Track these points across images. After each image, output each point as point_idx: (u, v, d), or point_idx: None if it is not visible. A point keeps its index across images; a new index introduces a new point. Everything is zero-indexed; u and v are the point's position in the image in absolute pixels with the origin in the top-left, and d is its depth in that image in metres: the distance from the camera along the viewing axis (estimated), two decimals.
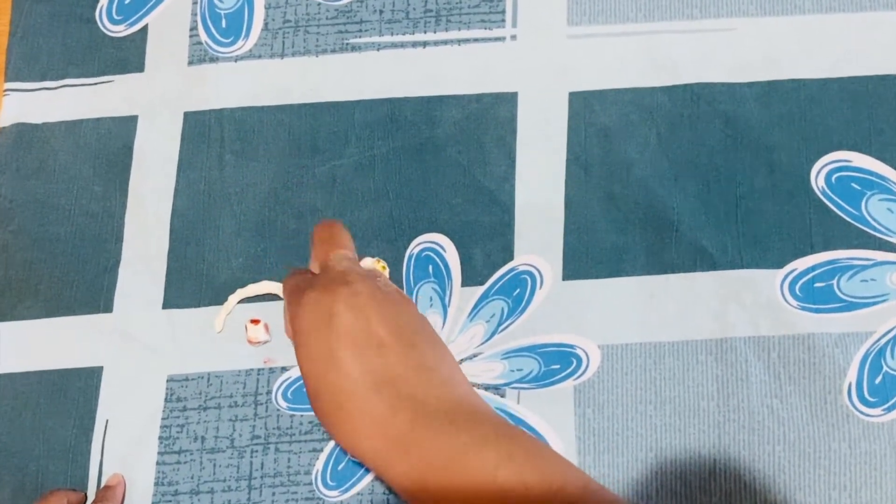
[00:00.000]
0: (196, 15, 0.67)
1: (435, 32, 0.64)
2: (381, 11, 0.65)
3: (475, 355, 0.58)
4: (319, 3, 0.66)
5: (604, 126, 0.61)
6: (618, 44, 0.63)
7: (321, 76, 0.64)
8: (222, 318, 0.60)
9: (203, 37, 0.66)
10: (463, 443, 0.35)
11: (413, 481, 0.35)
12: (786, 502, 0.54)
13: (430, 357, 0.39)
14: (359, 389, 0.37)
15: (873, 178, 0.59)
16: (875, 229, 0.58)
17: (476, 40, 0.64)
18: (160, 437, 0.58)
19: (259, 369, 0.59)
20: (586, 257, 0.59)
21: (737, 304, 0.57)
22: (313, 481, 0.57)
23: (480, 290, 0.59)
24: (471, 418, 0.37)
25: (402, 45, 0.64)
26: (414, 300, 0.59)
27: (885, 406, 0.55)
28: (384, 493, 0.56)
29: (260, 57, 0.65)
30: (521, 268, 0.59)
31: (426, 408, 0.36)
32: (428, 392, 0.37)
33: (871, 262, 0.57)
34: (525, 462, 0.34)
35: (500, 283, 0.59)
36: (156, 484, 0.58)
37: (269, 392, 0.59)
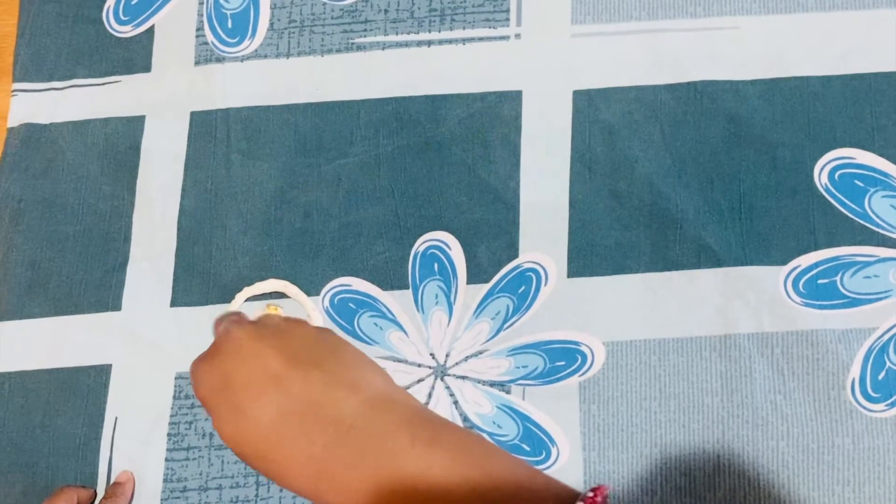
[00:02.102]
0: (202, 15, 0.67)
1: (440, 31, 0.65)
2: (385, 11, 0.65)
3: (481, 352, 0.58)
4: (325, 3, 0.66)
5: (608, 124, 0.62)
6: (621, 42, 0.63)
7: (327, 75, 0.65)
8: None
9: (209, 37, 0.67)
10: (378, 462, 0.34)
11: (351, 501, 0.35)
12: (790, 497, 0.54)
13: (333, 369, 0.38)
14: (272, 435, 0.36)
15: (876, 175, 0.59)
16: (878, 226, 0.58)
17: (480, 39, 0.64)
18: (169, 434, 0.59)
19: None
20: (591, 254, 0.59)
21: (740, 300, 0.57)
22: None
23: (486, 287, 0.59)
24: (387, 425, 0.36)
25: (407, 44, 0.65)
26: (420, 298, 0.60)
27: (889, 401, 0.55)
28: None
29: (266, 57, 0.66)
30: (526, 265, 0.60)
31: (341, 426, 0.36)
32: (339, 410, 0.36)
33: (874, 259, 0.57)
34: (445, 468, 0.33)
35: (506, 280, 0.60)
36: (165, 480, 0.58)
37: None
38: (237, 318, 0.42)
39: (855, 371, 0.56)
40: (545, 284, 0.59)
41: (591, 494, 0.31)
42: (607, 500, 0.32)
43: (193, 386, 0.40)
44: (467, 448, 0.35)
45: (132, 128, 0.65)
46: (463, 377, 0.58)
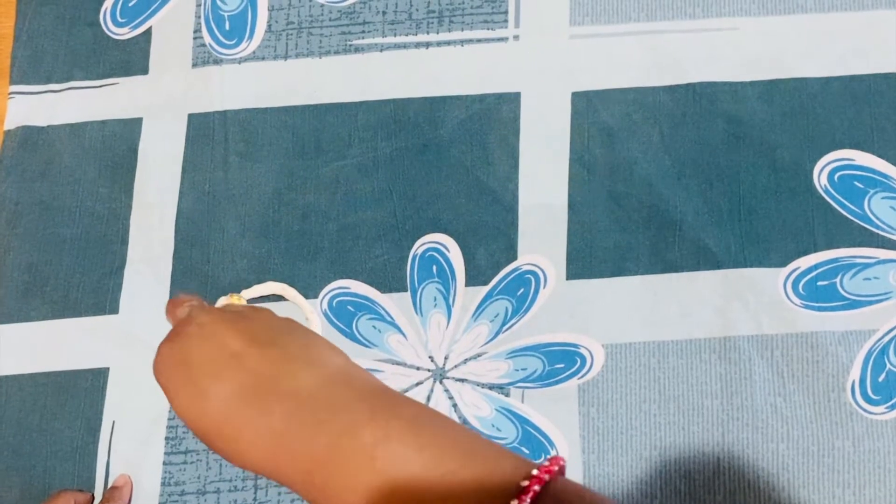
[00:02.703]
0: (200, 17, 0.67)
1: (438, 33, 0.65)
2: (383, 13, 0.65)
3: (479, 355, 0.58)
4: (322, 5, 0.66)
5: (606, 126, 0.61)
6: (620, 43, 0.63)
7: (324, 77, 0.65)
8: None
9: (207, 39, 0.67)
10: (336, 431, 0.34)
11: (301, 479, 0.35)
12: (790, 500, 0.54)
13: (291, 347, 0.38)
14: (228, 408, 0.36)
15: (876, 177, 0.59)
16: (878, 227, 0.58)
17: (479, 41, 0.64)
18: (166, 438, 0.59)
19: None
20: (590, 257, 0.59)
21: (740, 302, 0.57)
22: None
23: (484, 289, 0.59)
24: (346, 399, 0.36)
25: (405, 45, 0.65)
26: (418, 300, 0.60)
27: (889, 404, 0.55)
28: None
29: (263, 59, 0.66)
30: (525, 267, 0.60)
31: (298, 399, 0.35)
32: (298, 383, 0.36)
33: (874, 261, 0.57)
34: (403, 440, 0.33)
35: (504, 282, 0.59)
36: (162, 484, 0.58)
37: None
38: (198, 302, 0.42)
39: (855, 373, 0.55)
40: (544, 287, 0.59)
41: (546, 464, 0.32)
42: (563, 472, 0.32)
43: (154, 368, 0.39)
44: (425, 420, 0.35)
45: (129, 130, 0.65)
46: (462, 380, 0.58)
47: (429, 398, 0.58)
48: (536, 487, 0.30)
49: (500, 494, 0.31)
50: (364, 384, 0.37)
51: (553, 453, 0.55)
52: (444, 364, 0.58)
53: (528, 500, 0.30)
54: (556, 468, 0.32)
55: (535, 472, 0.31)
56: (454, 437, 0.34)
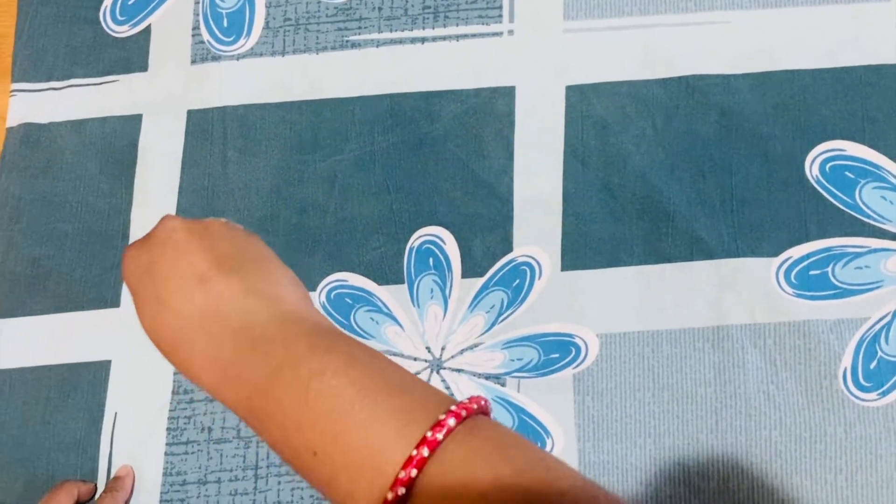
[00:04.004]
0: (198, 14, 0.68)
1: (433, 28, 0.65)
2: (379, 8, 0.66)
3: (476, 345, 0.59)
4: (319, 2, 0.67)
5: (600, 119, 0.62)
6: (614, 37, 0.64)
7: (322, 73, 0.65)
8: None
9: (205, 36, 0.67)
10: (278, 362, 0.36)
11: (243, 406, 0.37)
12: (783, 486, 0.55)
13: (255, 280, 0.39)
14: (186, 327, 0.38)
15: (867, 167, 0.59)
16: (869, 217, 0.58)
17: (474, 36, 0.65)
18: (168, 429, 0.59)
19: None
20: (584, 248, 0.60)
21: (733, 292, 0.58)
22: None
23: (480, 281, 0.60)
24: (292, 336, 0.37)
25: (401, 41, 0.65)
26: (415, 292, 0.60)
27: (880, 391, 0.55)
28: None
29: (261, 55, 0.66)
30: (521, 259, 0.60)
31: (250, 333, 0.37)
32: (252, 318, 0.38)
33: (865, 250, 0.58)
34: (338, 373, 0.35)
35: (500, 274, 0.60)
36: (164, 474, 0.59)
37: None
38: (172, 215, 0.44)
39: (847, 361, 0.56)
40: (539, 278, 0.60)
41: (466, 401, 0.33)
42: (486, 412, 0.34)
43: (122, 269, 0.41)
44: (361, 357, 0.37)
45: (130, 126, 0.66)
46: (458, 370, 0.59)
47: None
48: (452, 422, 0.32)
49: (420, 423, 0.32)
50: (312, 323, 0.39)
51: (549, 443, 0.56)
52: (440, 355, 0.59)
53: (443, 430, 0.32)
54: (476, 406, 0.33)
55: (452, 407, 0.33)
56: (386, 374, 0.36)
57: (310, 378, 0.35)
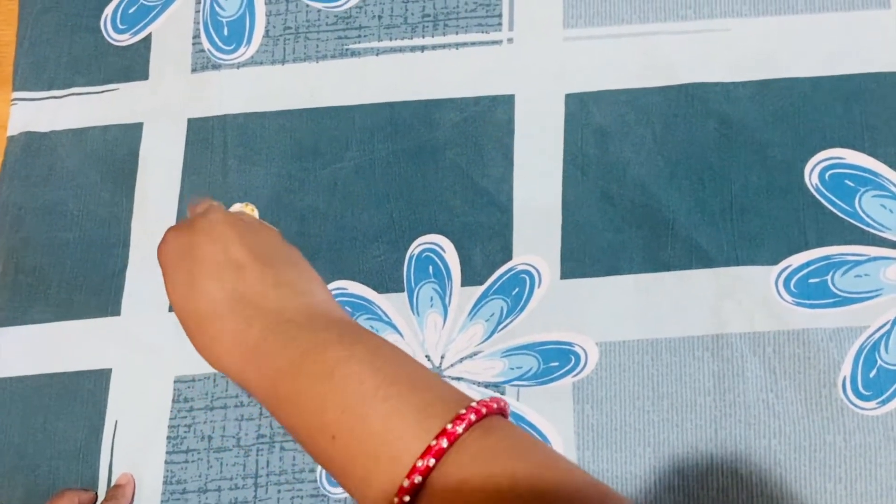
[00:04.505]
0: (198, 23, 0.68)
1: (433, 37, 0.65)
2: (379, 17, 0.66)
3: (475, 353, 0.59)
4: (319, 10, 0.67)
5: (600, 127, 0.62)
6: (613, 45, 0.64)
7: (322, 81, 0.66)
8: None
9: (206, 44, 0.67)
10: (305, 347, 0.37)
11: (265, 388, 0.38)
12: (782, 495, 0.55)
13: (286, 273, 0.41)
14: (217, 309, 0.39)
15: (866, 175, 0.59)
16: (868, 225, 0.58)
17: (473, 44, 0.65)
18: (168, 437, 0.60)
19: None
20: (584, 256, 0.60)
21: (732, 300, 0.58)
22: (318, 479, 0.58)
23: (480, 289, 0.60)
24: (320, 325, 0.39)
25: (401, 49, 0.66)
26: (415, 300, 0.60)
27: (880, 399, 0.55)
28: None
29: (261, 63, 0.66)
30: (520, 267, 0.60)
31: (279, 317, 0.38)
32: (282, 305, 0.39)
33: (864, 258, 0.58)
34: (363, 362, 0.36)
35: (500, 282, 0.60)
36: (164, 482, 0.59)
37: None
38: (217, 206, 0.45)
39: (846, 369, 0.56)
40: (539, 286, 0.60)
41: (487, 400, 0.34)
42: (504, 413, 0.35)
43: (159, 248, 0.43)
44: (386, 350, 0.38)
45: (130, 135, 0.66)
46: (458, 378, 0.59)
47: None
48: (472, 416, 0.33)
49: (439, 417, 0.33)
50: (340, 315, 0.40)
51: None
52: (440, 363, 0.59)
53: (463, 424, 0.33)
54: (495, 406, 0.34)
55: (473, 403, 0.34)
56: (408, 368, 0.37)
57: (335, 364, 0.36)
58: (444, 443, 0.32)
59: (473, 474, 0.32)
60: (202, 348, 0.40)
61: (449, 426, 0.33)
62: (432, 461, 0.32)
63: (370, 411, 0.34)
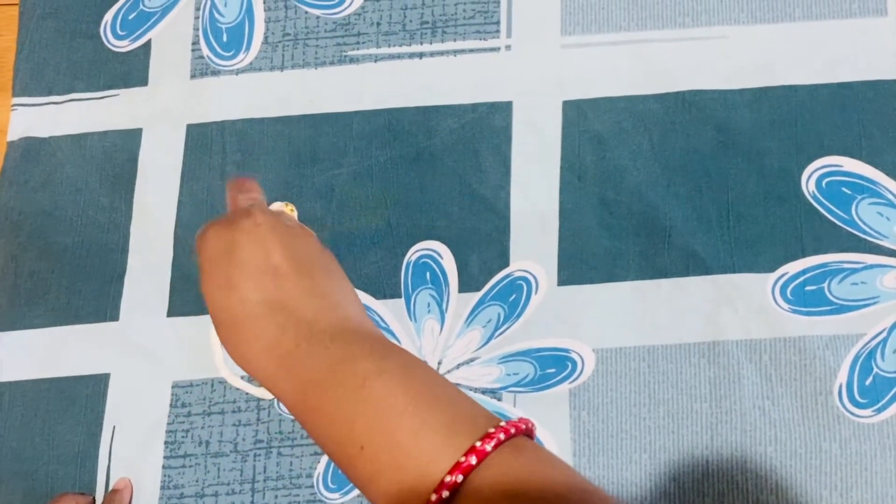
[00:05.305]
0: (198, 29, 0.68)
1: (431, 44, 0.66)
2: (378, 24, 0.66)
3: (472, 360, 0.59)
4: (318, 17, 0.67)
5: (597, 134, 0.62)
6: (610, 53, 0.64)
7: (320, 88, 0.66)
8: None
9: (205, 51, 0.68)
10: (338, 358, 0.37)
11: (295, 396, 0.38)
12: (778, 502, 0.55)
13: (323, 284, 0.41)
14: (253, 313, 0.39)
15: (864, 183, 0.60)
16: (865, 233, 0.58)
17: (471, 51, 0.65)
18: (166, 442, 0.60)
19: None
20: (581, 263, 0.60)
21: (729, 307, 0.58)
22: (315, 484, 0.58)
23: (477, 295, 0.60)
24: (353, 338, 0.39)
25: (399, 56, 0.66)
26: (412, 306, 0.61)
27: (876, 407, 0.56)
28: None
29: (260, 70, 0.67)
30: (517, 274, 0.60)
31: (313, 328, 0.39)
32: (317, 315, 0.40)
33: (861, 266, 0.58)
34: (393, 376, 0.36)
35: (497, 288, 0.60)
36: (162, 487, 0.59)
37: (271, 397, 0.60)
38: (260, 203, 0.46)
39: (842, 377, 0.56)
40: (536, 292, 0.60)
41: (515, 420, 0.35)
42: (531, 434, 0.35)
43: (198, 244, 0.43)
44: (416, 367, 0.38)
45: (129, 140, 0.66)
46: (455, 384, 0.59)
47: None
48: (501, 436, 0.33)
49: (468, 435, 0.34)
50: (371, 331, 0.41)
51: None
52: (437, 369, 0.59)
53: (492, 443, 0.33)
54: (524, 426, 0.35)
55: (502, 423, 0.34)
56: (438, 385, 0.38)
57: (366, 376, 0.36)
58: (473, 459, 0.33)
59: (502, 492, 0.32)
60: (233, 350, 0.40)
61: (478, 444, 0.33)
62: (461, 477, 0.32)
63: (399, 425, 0.35)
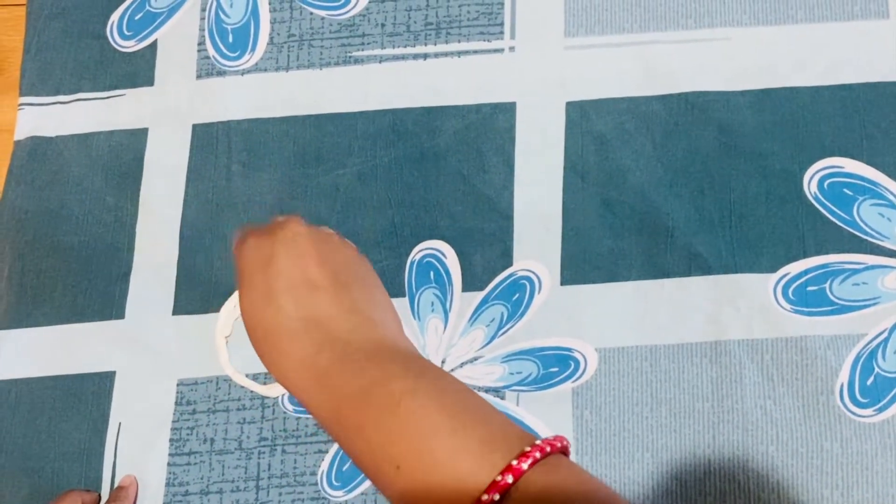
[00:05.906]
0: (204, 30, 0.69)
1: (435, 45, 0.66)
2: (382, 25, 0.67)
3: (475, 359, 0.60)
4: (323, 18, 0.68)
5: (600, 134, 0.63)
6: (614, 54, 0.64)
7: (325, 88, 0.66)
8: (230, 322, 0.61)
9: (211, 51, 0.68)
10: (373, 378, 0.37)
11: (329, 413, 0.38)
12: (779, 501, 0.55)
13: (361, 300, 0.41)
14: (290, 327, 0.39)
15: (865, 184, 0.60)
16: (867, 234, 0.59)
17: (475, 52, 0.66)
18: (171, 440, 0.60)
19: (266, 373, 0.61)
20: (583, 263, 0.60)
21: (731, 307, 0.58)
22: (319, 482, 0.58)
23: (480, 295, 0.61)
24: (389, 357, 0.39)
25: (404, 57, 0.66)
26: (416, 305, 0.61)
27: (877, 407, 0.56)
28: None
29: (266, 70, 0.67)
30: (520, 273, 0.61)
31: (349, 347, 0.39)
32: (354, 333, 0.40)
33: (862, 266, 0.58)
34: (429, 395, 0.36)
35: (500, 288, 0.61)
36: (167, 484, 0.59)
37: (275, 395, 0.60)
38: (299, 218, 0.45)
39: (844, 377, 0.56)
40: (539, 292, 0.60)
41: (550, 438, 0.35)
42: (566, 452, 0.35)
43: (236, 252, 0.42)
44: (450, 386, 0.38)
45: (135, 140, 0.67)
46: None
47: None
48: (537, 454, 0.33)
49: (504, 453, 0.34)
50: (406, 349, 0.41)
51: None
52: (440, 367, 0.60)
53: (528, 461, 0.33)
54: (559, 445, 0.35)
55: (538, 441, 0.34)
56: (473, 403, 0.37)
57: (401, 396, 0.36)
58: (510, 478, 0.33)
59: None
60: (269, 362, 0.40)
61: (514, 462, 0.33)
62: (497, 496, 0.33)
63: (435, 444, 0.35)
